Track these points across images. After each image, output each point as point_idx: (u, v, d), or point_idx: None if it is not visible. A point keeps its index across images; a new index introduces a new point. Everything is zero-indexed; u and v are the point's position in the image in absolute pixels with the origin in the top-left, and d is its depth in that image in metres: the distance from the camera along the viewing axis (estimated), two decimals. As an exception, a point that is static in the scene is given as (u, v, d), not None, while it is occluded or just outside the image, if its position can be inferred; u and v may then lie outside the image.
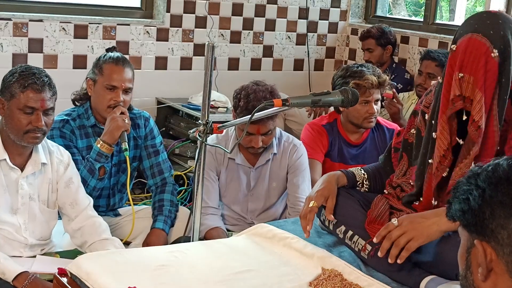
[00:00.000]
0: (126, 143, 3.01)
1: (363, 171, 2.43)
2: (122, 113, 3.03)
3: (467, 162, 2.02)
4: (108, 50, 3.20)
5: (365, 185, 2.42)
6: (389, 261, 2.03)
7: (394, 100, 4.15)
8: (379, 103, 3.45)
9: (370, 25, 5.59)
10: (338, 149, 3.51)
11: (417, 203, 2.20)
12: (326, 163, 3.50)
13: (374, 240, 2.09)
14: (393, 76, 4.86)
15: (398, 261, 2.02)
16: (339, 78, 3.38)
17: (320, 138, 3.50)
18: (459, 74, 1.98)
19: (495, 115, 2.00)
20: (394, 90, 4.15)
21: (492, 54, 1.96)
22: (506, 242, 1.15)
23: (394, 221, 2.06)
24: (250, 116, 2.25)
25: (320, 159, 3.46)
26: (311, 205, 2.28)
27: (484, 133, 2.00)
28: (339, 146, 3.51)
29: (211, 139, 3.09)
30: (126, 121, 3.03)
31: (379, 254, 2.06)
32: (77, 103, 3.19)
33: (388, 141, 3.51)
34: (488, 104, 1.98)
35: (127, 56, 4.76)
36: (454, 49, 2.03)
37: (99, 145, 2.99)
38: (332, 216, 2.29)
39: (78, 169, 2.91)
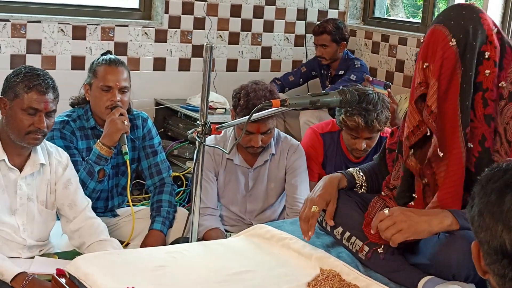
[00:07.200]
0: (126, 146, 3.00)
1: (361, 173, 2.44)
2: (121, 114, 3.02)
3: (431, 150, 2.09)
4: (103, 55, 3.21)
5: (363, 187, 2.43)
6: None
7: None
8: (373, 139, 3.26)
9: (369, 26, 5.62)
10: (336, 165, 3.35)
11: (412, 203, 2.21)
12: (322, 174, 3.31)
13: (372, 231, 2.10)
14: (346, 69, 4.80)
15: None
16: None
17: (314, 152, 3.38)
18: (424, 64, 2.06)
19: (457, 99, 2.04)
20: (389, 90, 4.14)
21: (450, 43, 2.03)
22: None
23: (386, 210, 2.07)
24: (249, 116, 2.24)
25: (313, 179, 3.32)
26: (313, 210, 2.28)
27: (444, 120, 2.05)
28: (338, 161, 3.37)
29: (209, 140, 3.09)
30: (126, 123, 3.01)
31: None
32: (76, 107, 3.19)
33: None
34: (442, 90, 2.04)
35: (125, 57, 4.82)
36: (422, 40, 2.13)
37: (98, 148, 2.99)
38: (332, 221, 2.29)
39: (78, 171, 2.91)
